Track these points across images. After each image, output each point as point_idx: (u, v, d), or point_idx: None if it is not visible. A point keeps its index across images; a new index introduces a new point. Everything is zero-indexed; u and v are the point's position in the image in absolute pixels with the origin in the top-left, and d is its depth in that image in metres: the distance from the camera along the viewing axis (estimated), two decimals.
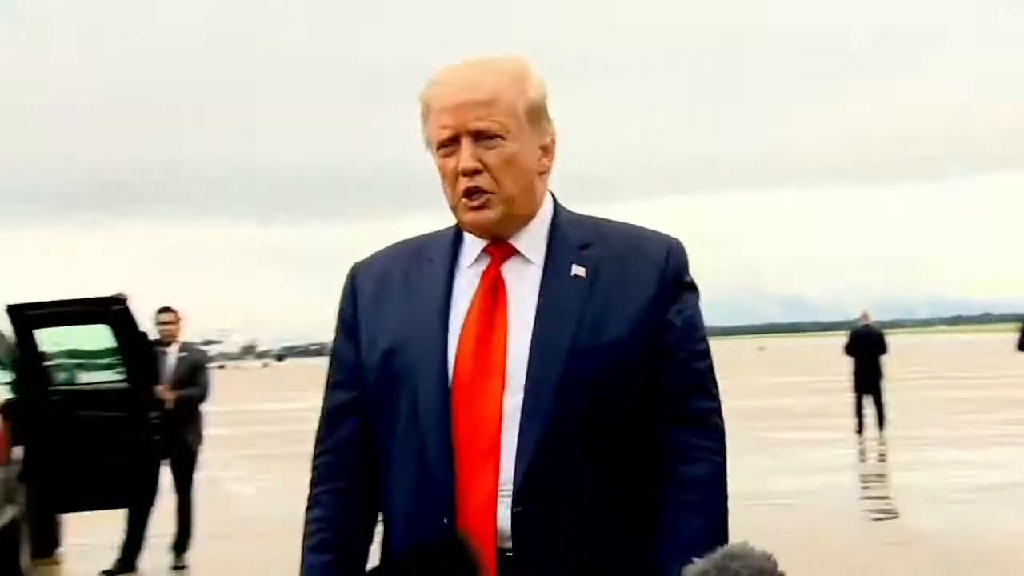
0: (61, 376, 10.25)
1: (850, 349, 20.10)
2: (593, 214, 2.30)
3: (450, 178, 2.17)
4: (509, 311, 2.17)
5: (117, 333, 9.59)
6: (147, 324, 9.93)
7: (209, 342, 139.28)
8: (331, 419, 2.28)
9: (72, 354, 10.58)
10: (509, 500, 2.09)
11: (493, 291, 2.19)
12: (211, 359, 11.07)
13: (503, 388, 2.12)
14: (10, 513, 9.06)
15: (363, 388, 2.23)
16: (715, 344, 2.31)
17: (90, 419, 9.60)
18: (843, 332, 21.84)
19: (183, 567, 9.75)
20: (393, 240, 2.35)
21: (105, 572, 9.52)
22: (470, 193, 2.15)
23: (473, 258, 2.23)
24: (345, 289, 2.30)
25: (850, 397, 20.00)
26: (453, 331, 2.17)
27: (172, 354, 10.04)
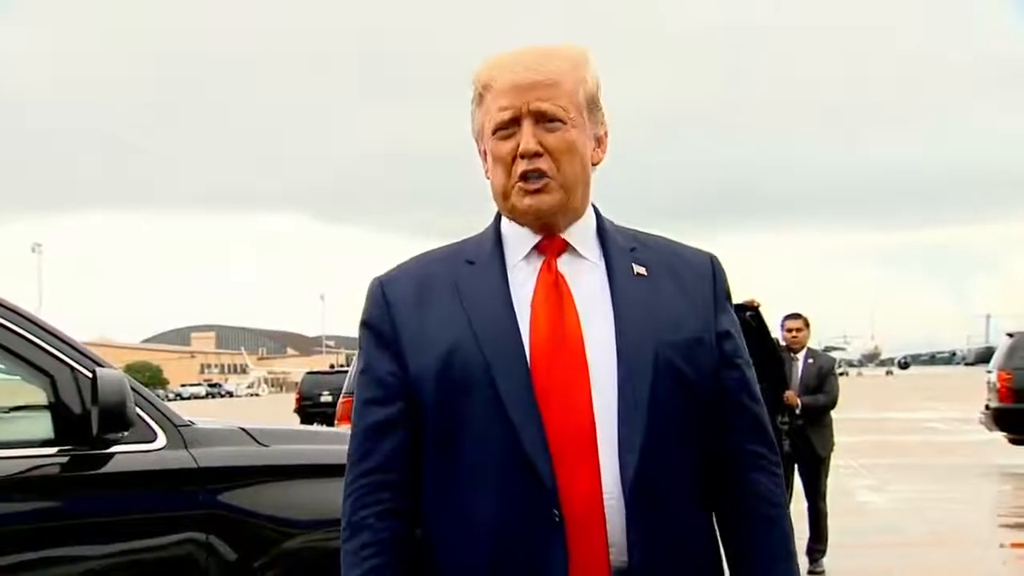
0: None
1: None
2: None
3: (505, 162, 2.10)
4: (578, 307, 2.09)
5: (749, 339, 9.71)
6: (776, 330, 10.06)
7: (831, 348, 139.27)
8: (369, 437, 2.13)
9: None
10: (615, 503, 2.03)
11: (556, 287, 2.10)
12: (837, 365, 11.01)
13: (589, 384, 2.05)
14: None
15: (408, 399, 2.10)
16: None
17: None
18: None
19: (820, 572, 9.72)
20: None
21: None
22: (527, 176, 2.08)
23: (522, 255, 2.14)
24: (373, 301, 2.18)
25: None
26: (522, 327, 2.08)
27: (799, 360, 10.14)
